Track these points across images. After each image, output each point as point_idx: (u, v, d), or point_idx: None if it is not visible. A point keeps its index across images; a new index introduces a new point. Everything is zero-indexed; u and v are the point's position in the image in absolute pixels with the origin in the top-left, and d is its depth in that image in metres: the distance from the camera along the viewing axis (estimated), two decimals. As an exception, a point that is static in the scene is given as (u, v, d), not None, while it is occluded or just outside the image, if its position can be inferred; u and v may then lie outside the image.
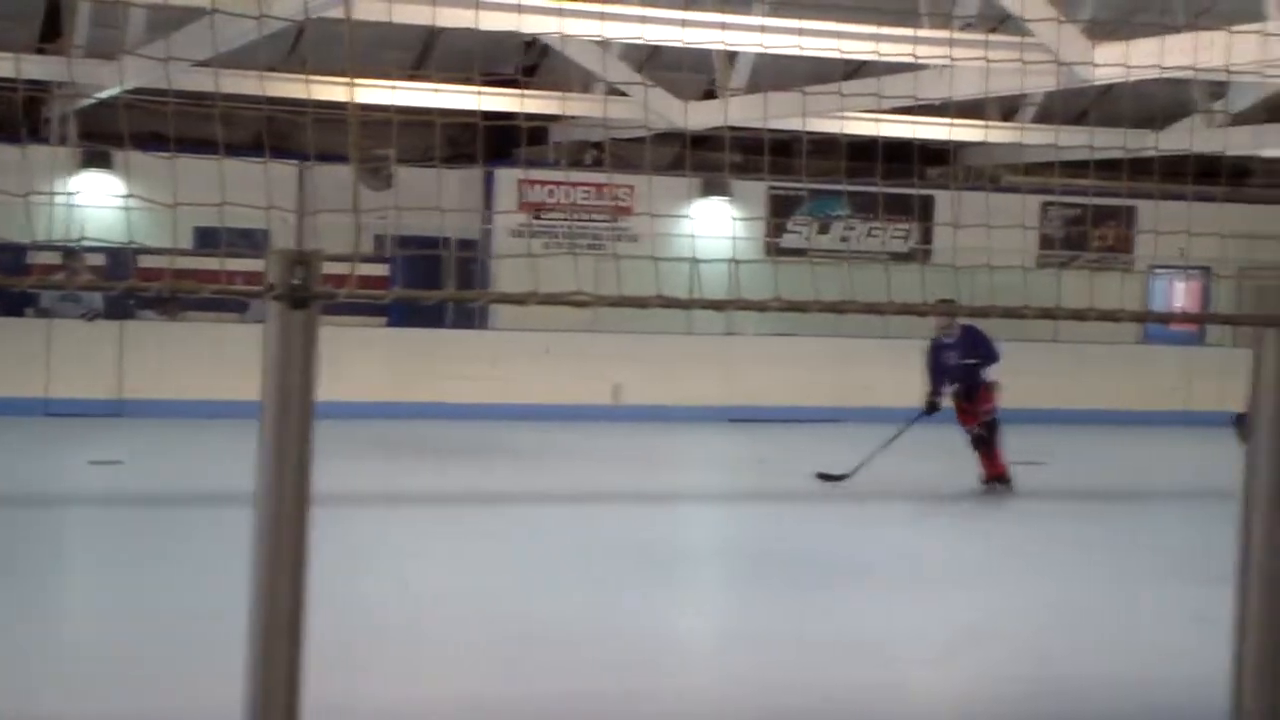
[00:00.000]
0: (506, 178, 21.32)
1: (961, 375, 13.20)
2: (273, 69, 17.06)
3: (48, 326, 17.62)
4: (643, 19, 12.23)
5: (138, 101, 15.82)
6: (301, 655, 3.49)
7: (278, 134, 19.45)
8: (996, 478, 13.28)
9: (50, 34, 18.38)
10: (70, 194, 18.76)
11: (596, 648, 7.63)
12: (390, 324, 19.35)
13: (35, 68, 17.41)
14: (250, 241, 18.96)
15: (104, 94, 17.61)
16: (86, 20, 17.20)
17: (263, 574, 3.51)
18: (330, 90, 15.44)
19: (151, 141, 16.05)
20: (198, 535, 10.36)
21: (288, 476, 3.51)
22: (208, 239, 18.78)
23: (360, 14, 11.73)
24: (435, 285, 18.94)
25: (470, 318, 20.47)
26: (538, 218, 21.61)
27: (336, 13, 12.14)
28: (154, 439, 15.84)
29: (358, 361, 17.22)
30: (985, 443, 13.26)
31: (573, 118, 19.73)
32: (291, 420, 3.54)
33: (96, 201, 18.61)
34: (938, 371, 13.31)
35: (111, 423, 16.74)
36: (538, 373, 19.20)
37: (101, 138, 19.16)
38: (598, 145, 21.93)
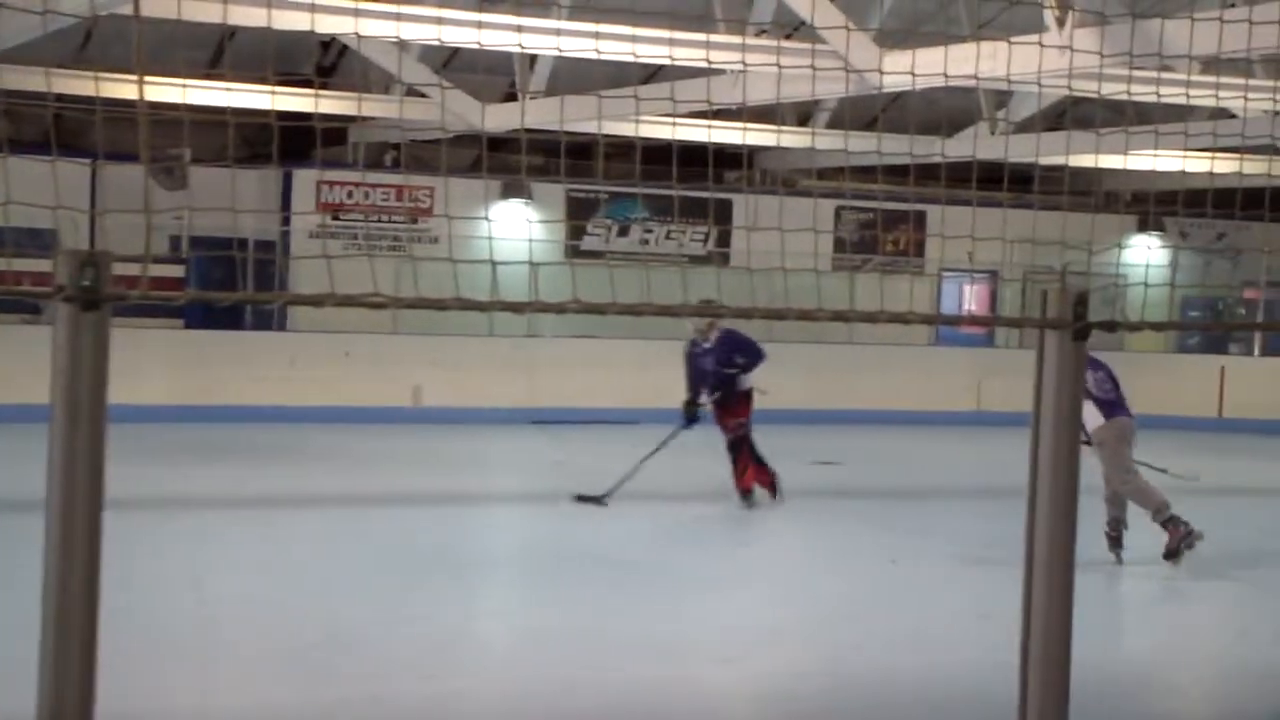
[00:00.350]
0: (304, 178, 21.08)
1: (718, 381, 12.74)
2: (62, 65, 16.65)
3: None
4: (439, 20, 12.21)
5: None
6: (95, 666, 3.44)
7: (68, 131, 18.98)
8: (747, 492, 12.71)
9: None
10: None
11: (396, 651, 7.61)
12: (187, 325, 19.02)
13: None
14: (39, 242, 18.44)
15: (-119, 88, 17.00)
16: None
17: (54, 583, 3.45)
18: (120, 88, 15.13)
19: (-68, 138, 15.56)
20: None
21: (79, 481, 3.45)
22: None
23: (150, 10, 11.49)
24: (232, 286, 18.66)
25: (268, 319, 20.21)
26: (336, 218, 21.42)
27: (126, 9, 11.92)
28: None
29: (154, 364, 16.90)
30: (735, 456, 12.78)
31: (371, 119, 19.58)
32: (83, 424, 3.48)
33: None
34: (695, 376, 12.87)
35: None
36: (337, 375, 19.03)
37: None
38: (396, 146, 21.80)
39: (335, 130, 21.09)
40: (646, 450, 12.85)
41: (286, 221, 21.06)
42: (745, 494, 12.69)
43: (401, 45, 15.44)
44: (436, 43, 13.36)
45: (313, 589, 9.19)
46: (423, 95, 17.61)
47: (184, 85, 15.85)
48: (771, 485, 12.94)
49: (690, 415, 12.82)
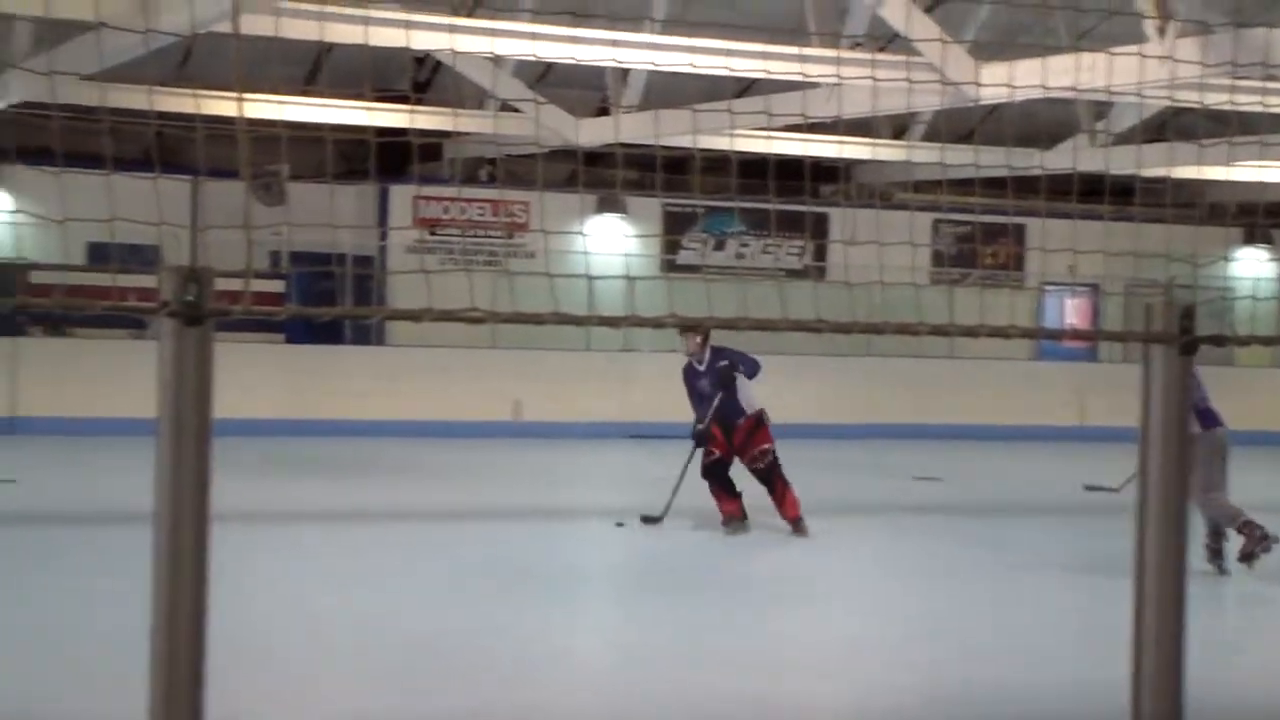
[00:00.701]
0: (401, 194, 21.24)
1: (719, 400, 11.73)
2: (163, 84, 16.88)
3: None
4: (534, 36, 12.26)
5: (24, 116, 15.60)
6: (204, 676, 3.46)
7: (168, 149, 19.26)
8: (796, 520, 11.73)
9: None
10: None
11: (492, 665, 7.61)
12: (288, 340, 19.21)
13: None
14: (143, 257, 18.68)
15: (-10, 108, 17.33)
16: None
17: (163, 594, 3.47)
18: (220, 105, 15.32)
19: (39, 156, 15.83)
20: (94, 554, 10.19)
21: (186, 494, 3.48)
22: (100, 254, 18.58)
23: (248, 29, 11.64)
24: (332, 301, 18.83)
25: (367, 334, 20.37)
26: (433, 234, 21.56)
27: (225, 28, 12.07)
28: (49, 457, 15.60)
29: (255, 379, 17.09)
30: (770, 482, 11.76)
31: (466, 134, 19.69)
32: (188, 437, 3.51)
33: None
34: (695, 400, 11.91)
35: (4, 440, 16.47)
36: (436, 389, 19.13)
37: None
38: (492, 161, 21.92)
39: (431, 146, 21.23)
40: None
41: (384, 237, 21.24)
42: (795, 522, 11.79)
43: (496, 61, 15.52)
44: (531, 58, 13.41)
45: (411, 602, 9.22)
46: (517, 110, 17.68)
47: (282, 102, 16.07)
48: (739, 513, 11.89)
49: (699, 437, 11.88)
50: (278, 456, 15.99)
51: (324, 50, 18.80)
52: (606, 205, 21.57)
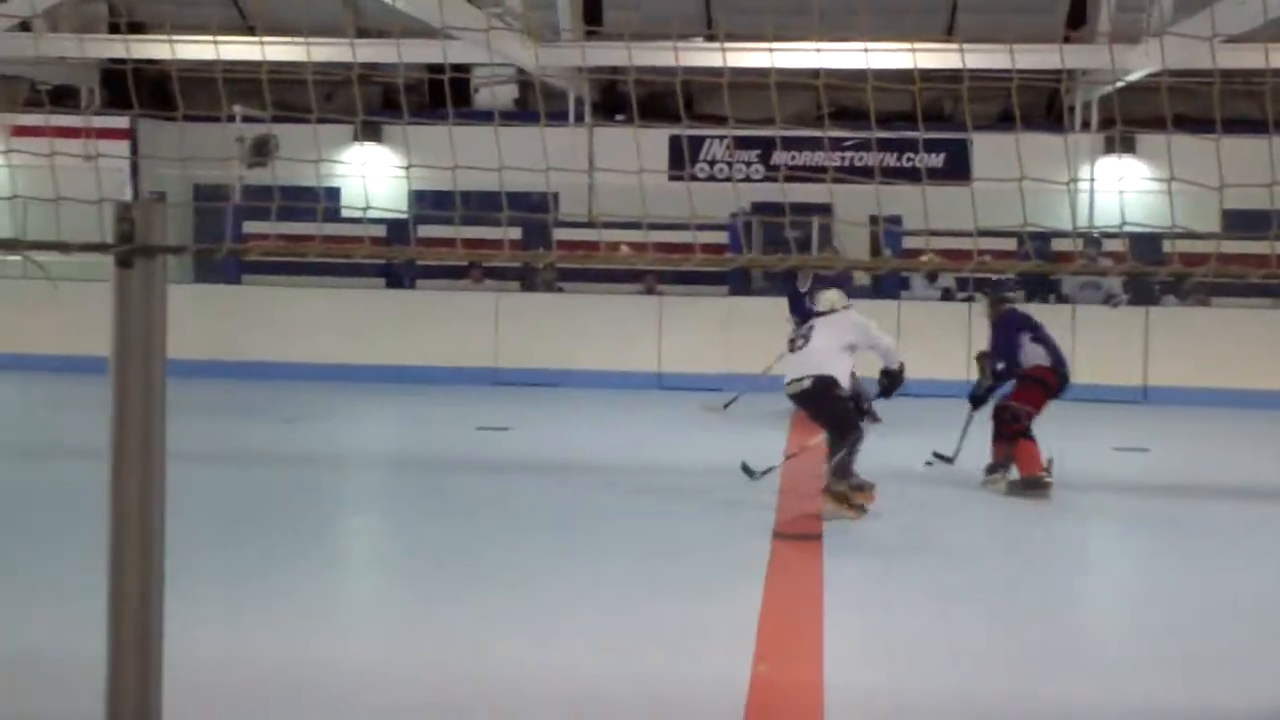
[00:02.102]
0: None
1: None
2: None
3: (1071, 312, 17.78)
4: None
5: (1170, 83, 15.58)
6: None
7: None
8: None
9: (1075, 21, 18.59)
10: (1092, 180, 18.90)
11: None
12: None
13: (1058, 57, 17.71)
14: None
15: (1129, 78, 17.48)
16: (1110, 5, 17.20)
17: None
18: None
19: (1176, 123, 15.72)
20: (1226, 530, 9.95)
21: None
22: (1240, 221, 18.16)
23: None
24: None
25: None
26: None
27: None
28: (1180, 428, 15.49)
29: None
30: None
31: None
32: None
33: (1120, 187, 18.58)
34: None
35: (1136, 410, 16.59)
36: None
37: (1123, 122, 19.10)
38: None
39: None
40: None
41: None
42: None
43: None
44: None
45: None
46: None
47: None
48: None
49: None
50: None
51: None
52: None
